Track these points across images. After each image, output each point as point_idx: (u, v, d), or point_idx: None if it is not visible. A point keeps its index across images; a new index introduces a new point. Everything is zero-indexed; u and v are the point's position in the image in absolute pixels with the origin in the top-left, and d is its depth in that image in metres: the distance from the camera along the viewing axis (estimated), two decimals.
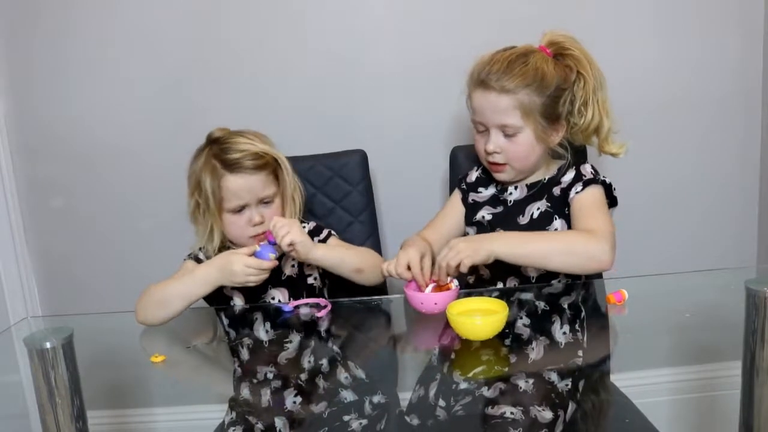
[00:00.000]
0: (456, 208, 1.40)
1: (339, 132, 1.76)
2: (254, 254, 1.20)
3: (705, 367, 0.97)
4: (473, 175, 1.41)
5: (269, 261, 1.20)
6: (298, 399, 0.91)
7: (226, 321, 1.29)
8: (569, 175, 1.28)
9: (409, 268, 1.16)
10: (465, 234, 1.37)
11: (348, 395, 0.90)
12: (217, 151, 1.29)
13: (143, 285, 1.76)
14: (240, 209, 1.29)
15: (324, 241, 1.38)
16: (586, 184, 1.25)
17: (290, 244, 1.21)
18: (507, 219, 1.31)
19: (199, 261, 1.33)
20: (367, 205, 1.60)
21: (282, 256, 1.35)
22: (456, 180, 1.46)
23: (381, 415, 0.85)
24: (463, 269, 1.13)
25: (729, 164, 1.82)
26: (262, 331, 1.21)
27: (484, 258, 1.14)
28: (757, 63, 1.76)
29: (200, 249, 1.36)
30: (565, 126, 1.26)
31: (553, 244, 1.18)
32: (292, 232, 1.21)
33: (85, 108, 1.79)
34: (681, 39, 1.74)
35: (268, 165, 1.30)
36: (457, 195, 1.41)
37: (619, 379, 0.92)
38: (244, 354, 1.12)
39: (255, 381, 0.99)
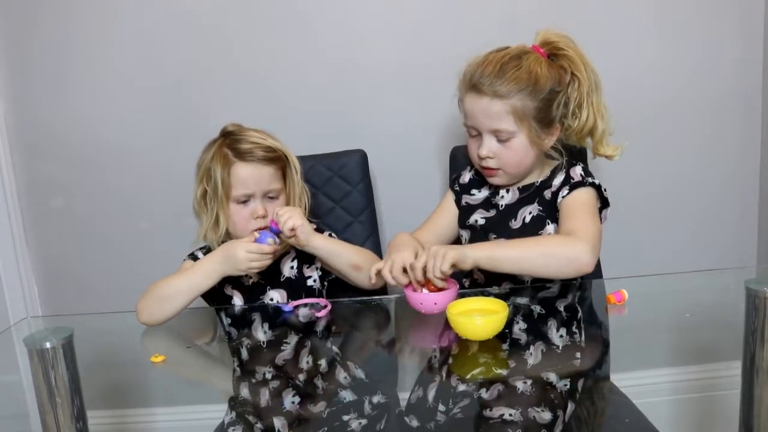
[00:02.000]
0: (449, 209, 1.39)
1: (339, 132, 1.76)
2: (254, 241, 1.22)
3: (705, 367, 0.97)
4: (466, 176, 1.40)
5: (269, 245, 1.21)
6: (298, 399, 0.91)
7: (226, 321, 1.29)
8: (559, 179, 1.27)
9: (405, 271, 1.15)
10: (459, 236, 1.37)
11: (347, 395, 0.90)
12: (230, 141, 1.30)
13: (143, 285, 1.76)
14: (245, 200, 1.29)
15: None
16: (573, 187, 1.23)
17: (292, 229, 1.22)
18: (500, 223, 1.30)
19: (196, 260, 1.33)
20: (367, 205, 1.60)
21: (282, 257, 1.35)
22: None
23: (381, 415, 0.85)
24: (445, 269, 1.10)
25: (729, 164, 1.82)
26: (262, 331, 1.21)
27: (457, 256, 1.10)
28: (757, 63, 1.76)
29: (200, 249, 1.36)
30: (559, 129, 1.25)
31: (531, 248, 1.16)
32: (294, 216, 1.22)
33: (85, 108, 1.80)
34: (681, 39, 1.74)
35: (279, 160, 1.31)
36: (450, 196, 1.40)
37: (619, 379, 0.92)
38: (244, 354, 1.12)
39: (255, 381, 0.99)
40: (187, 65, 1.76)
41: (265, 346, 1.14)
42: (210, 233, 1.31)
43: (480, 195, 1.36)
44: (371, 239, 1.60)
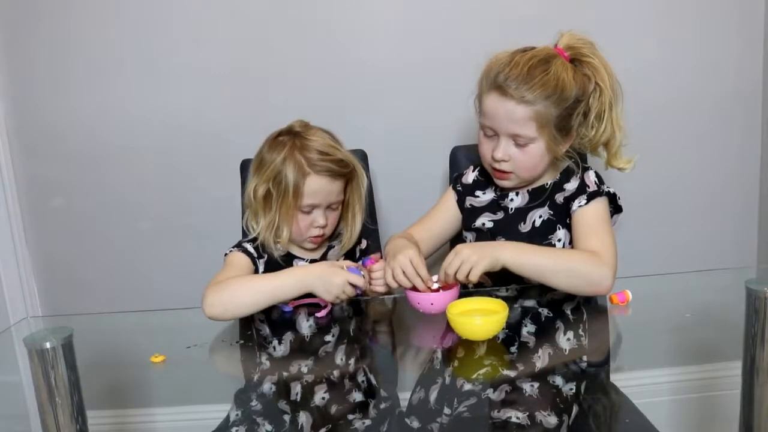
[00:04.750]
0: (449, 208, 1.37)
1: (339, 132, 1.75)
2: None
3: (705, 367, 0.97)
4: (470, 176, 1.38)
5: (364, 281, 1.20)
6: (298, 399, 0.91)
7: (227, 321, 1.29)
8: (573, 184, 1.25)
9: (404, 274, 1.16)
10: (463, 238, 1.37)
11: (348, 395, 0.90)
12: (301, 146, 1.27)
13: (143, 285, 1.76)
14: (310, 210, 1.29)
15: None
16: (591, 197, 1.22)
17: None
18: (508, 226, 1.29)
19: (248, 253, 1.31)
20: (367, 205, 1.60)
21: (292, 259, 1.35)
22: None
23: (382, 415, 0.85)
24: (473, 278, 1.11)
25: (729, 164, 1.82)
26: (263, 331, 1.21)
27: (489, 264, 1.12)
28: (757, 63, 1.76)
29: (248, 241, 1.33)
30: (574, 136, 1.23)
31: (558, 261, 1.15)
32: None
33: (85, 108, 1.80)
34: (681, 39, 1.74)
35: (348, 173, 1.31)
36: (451, 195, 1.38)
37: (619, 379, 0.92)
38: (244, 354, 1.12)
39: (255, 381, 0.99)
40: (186, 65, 1.76)
41: (264, 346, 1.14)
42: (267, 233, 1.29)
43: (485, 197, 1.34)
44: (371, 239, 1.59)
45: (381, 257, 1.30)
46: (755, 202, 1.85)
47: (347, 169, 1.30)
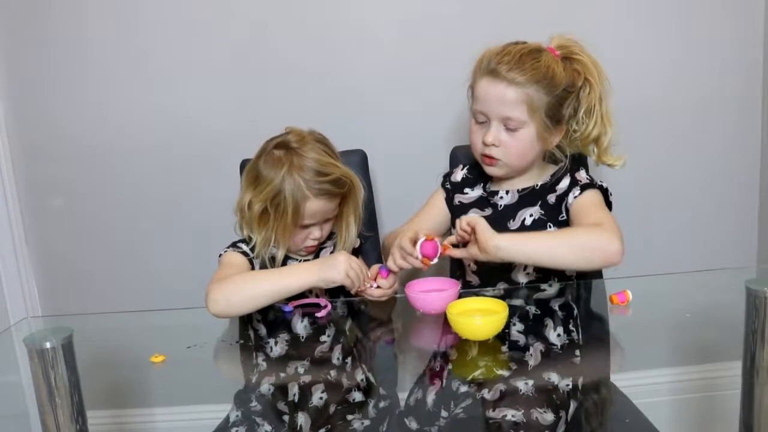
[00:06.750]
0: (437, 206, 1.39)
1: (339, 132, 1.76)
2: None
3: (705, 367, 0.97)
4: (458, 175, 1.39)
5: (372, 277, 1.22)
6: (297, 398, 0.91)
7: (227, 321, 1.29)
8: (565, 183, 1.27)
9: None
10: (450, 233, 1.37)
11: (348, 395, 0.90)
12: (299, 166, 1.24)
13: (143, 285, 1.75)
14: (307, 226, 1.29)
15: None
16: (584, 188, 1.23)
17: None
18: (497, 223, 1.27)
19: (243, 253, 1.31)
20: (367, 205, 1.59)
21: (286, 260, 1.35)
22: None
23: (381, 415, 0.85)
24: (464, 223, 1.13)
25: (729, 164, 1.82)
26: (262, 331, 1.21)
27: (480, 223, 1.12)
28: (757, 63, 1.76)
29: (242, 241, 1.34)
30: (564, 129, 1.25)
31: (561, 238, 1.16)
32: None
33: (85, 108, 1.79)
34: (681, 39, 1.74)
35: (345, 191, 1.31)
36: (440, 194, 1.40)
37: (619, 379, 0.92)
38: (244, 354, 1.12)
39: (254, 381, 0.99)
40: (186, 65, 1.76)
41: (264, 345, 1.14)
42: (262, 249, 1.29)
43: (474, 194, 1.35)
44: (371, 239, 1.60)
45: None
46: (755, 202, 1.85)
47: (344, 188, 1.30)
